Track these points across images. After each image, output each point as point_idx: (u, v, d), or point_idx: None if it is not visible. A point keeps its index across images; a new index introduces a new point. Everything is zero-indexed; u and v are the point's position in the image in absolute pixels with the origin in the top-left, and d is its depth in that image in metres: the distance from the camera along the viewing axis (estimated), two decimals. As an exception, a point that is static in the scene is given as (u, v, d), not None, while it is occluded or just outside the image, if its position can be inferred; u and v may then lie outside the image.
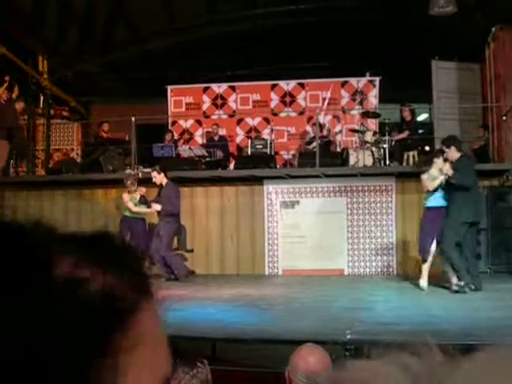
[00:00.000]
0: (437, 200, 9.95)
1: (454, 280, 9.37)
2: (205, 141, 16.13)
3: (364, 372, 0.62)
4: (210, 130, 16.04)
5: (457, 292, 9.25)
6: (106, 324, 0.53)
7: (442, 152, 10.06)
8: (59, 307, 0.52)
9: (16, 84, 14.84)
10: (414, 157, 13.76)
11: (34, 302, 0.51)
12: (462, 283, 9.36)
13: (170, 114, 16.92)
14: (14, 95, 14.77)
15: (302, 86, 16.50)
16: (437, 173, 9.87)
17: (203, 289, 10.49)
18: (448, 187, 9.74)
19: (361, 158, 13.28)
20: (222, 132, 16.02)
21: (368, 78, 16.14)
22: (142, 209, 12.26)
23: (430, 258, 9.95)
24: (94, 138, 16.76)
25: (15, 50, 15.23)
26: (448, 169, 9.57)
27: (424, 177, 10.06)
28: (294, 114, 16.49)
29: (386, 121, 14.53)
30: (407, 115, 14.81)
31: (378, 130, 14.64)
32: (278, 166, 14.62)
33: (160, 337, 0.59)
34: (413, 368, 0.60)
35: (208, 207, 13.83)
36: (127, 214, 12.40)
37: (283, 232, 13.69)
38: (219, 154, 14.68)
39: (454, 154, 9.71)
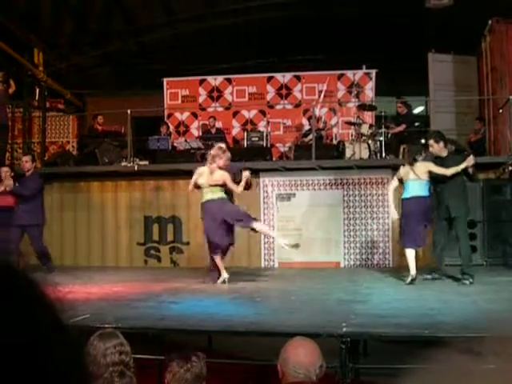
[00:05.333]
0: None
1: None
2: (200, 133, 16.10)
3: None
4: (206, 122, 16.01)
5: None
6: None
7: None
8: None
9: (11, 78, 14.76)
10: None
11: None
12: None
13: (165, 106, 16.88)
14: (11, 90, 14.70)
15: (298, 78, 16.47)
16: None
17: (199, 281, 10.47)
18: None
19: (357, 151, 13.28)
20: (219, 124, 15.99)
21: (364, 70, 16.11)
22: None
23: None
24: (89, 131, 16.72)
25: (11, 43, 15.15)
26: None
27: (433, 166, 9.53)
28: (290, 107, 16.46)
29: (382, 114, 14.52)
30: (402, 110, 14.79)
31: (374, 123, 14.64)
32: (274, 159, 14.61)
33: None
34: None
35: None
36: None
37: (279, 224, 13.68)
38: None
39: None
